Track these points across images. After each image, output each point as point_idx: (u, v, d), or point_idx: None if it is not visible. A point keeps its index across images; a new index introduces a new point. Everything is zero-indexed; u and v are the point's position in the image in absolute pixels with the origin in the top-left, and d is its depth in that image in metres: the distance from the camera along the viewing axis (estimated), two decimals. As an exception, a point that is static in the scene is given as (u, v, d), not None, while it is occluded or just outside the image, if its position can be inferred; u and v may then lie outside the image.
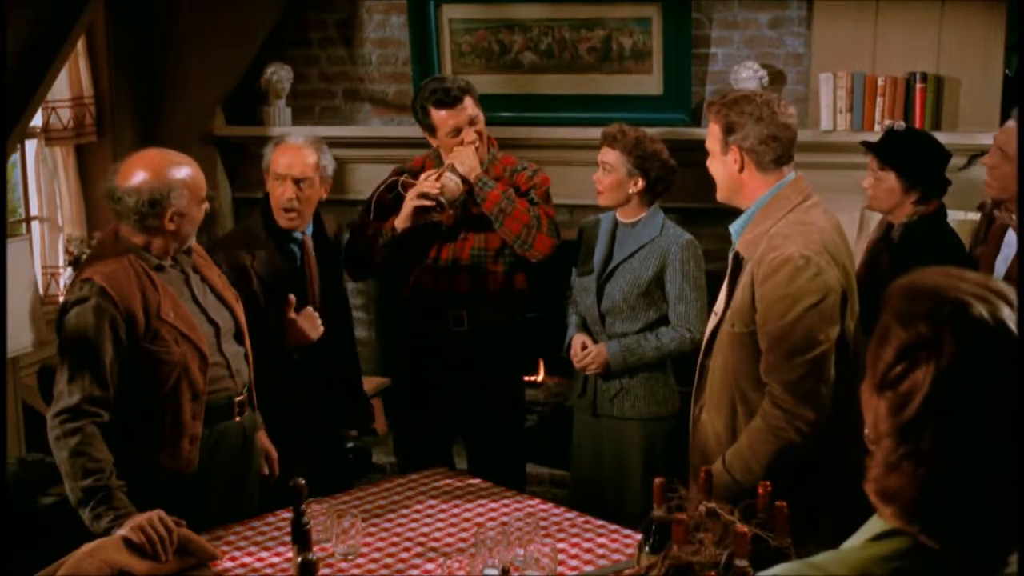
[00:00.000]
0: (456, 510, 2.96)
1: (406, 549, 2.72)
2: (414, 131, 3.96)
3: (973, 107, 4.44)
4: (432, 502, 3.01)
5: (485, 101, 3.90)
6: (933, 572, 1.21)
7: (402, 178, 3.75)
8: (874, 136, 3.68)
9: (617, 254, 3.61)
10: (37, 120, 4.62)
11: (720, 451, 2.71)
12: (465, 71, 4.80)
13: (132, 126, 5.03)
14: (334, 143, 4.85)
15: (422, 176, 3.69)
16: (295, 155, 3.48)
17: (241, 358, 3.03)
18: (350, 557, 2.65)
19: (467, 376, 3.84)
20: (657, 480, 2.34)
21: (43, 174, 4.78)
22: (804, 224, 2.63)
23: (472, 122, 3.73)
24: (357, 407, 3.87)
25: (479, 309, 3.81)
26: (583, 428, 3.72)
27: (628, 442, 3.60)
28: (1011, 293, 1.23)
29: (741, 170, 2.68)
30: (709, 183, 2.80)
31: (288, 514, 2.74)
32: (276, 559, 2.68)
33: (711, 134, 2.74)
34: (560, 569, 2.56)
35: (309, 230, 3.57)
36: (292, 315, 3.36)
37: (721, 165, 2.73)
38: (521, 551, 2.49)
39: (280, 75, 5.09)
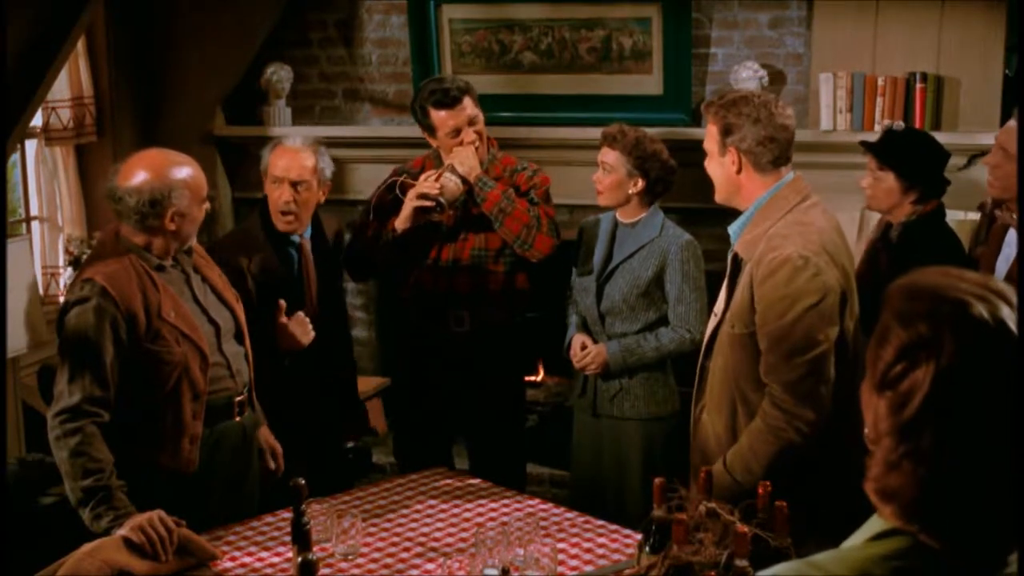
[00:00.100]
0: (456, 510, 2.96)
1: (406, 549, 2.72)
2: (414, 131, 3.96)
3: (973, 107, 4.44)
4: (432, 502, 3.01)
5: (485, 101, 3.90)
6: (933, 571, 1.21)
7: (400, 179, 3.74)
8: (874, 136, 3.68)
9: (617, 254, 3.61)
10: (37, 120, 4.62)
11: (720, 452, 2.71)
12: (465, 71, 4.80)
13: (132, 126, 5.03)
14: (334, 143, 4.87)
15: (422, 177, 3.69)
16: (292, 158, 3.48)
17: (241, 358, 3.03)
18: (350, 557, 2.65)
19: (467, 376, 3.84)
20: (657, 480, 2.34)
21: (43, 174, 4.79)
22: (803, 224, 2.63)
23: (471, 122, 3.73)
24: (351, 411, 3.87)
25: (480, 309, 3.81)
26: (583, 428, 3.73)
27: (628, 442, 3.60)
28: (1011, 293, 1.23)
29: (739, 171, 2.68)
30: (709, 183, 2.80)
31: (288, 514, 2.74)
32: (276, 559, 2.68)
33: (709, 135, 2.74)
34: (560, 569, 2.56)
35: (307, 233, 3.56)
36: (283, 320, 3.35)
37: (719, 166, 2.73)
38: (521, 551, 2.49)
39: (280, 75, 5.09)
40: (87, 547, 2.53)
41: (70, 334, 2.74)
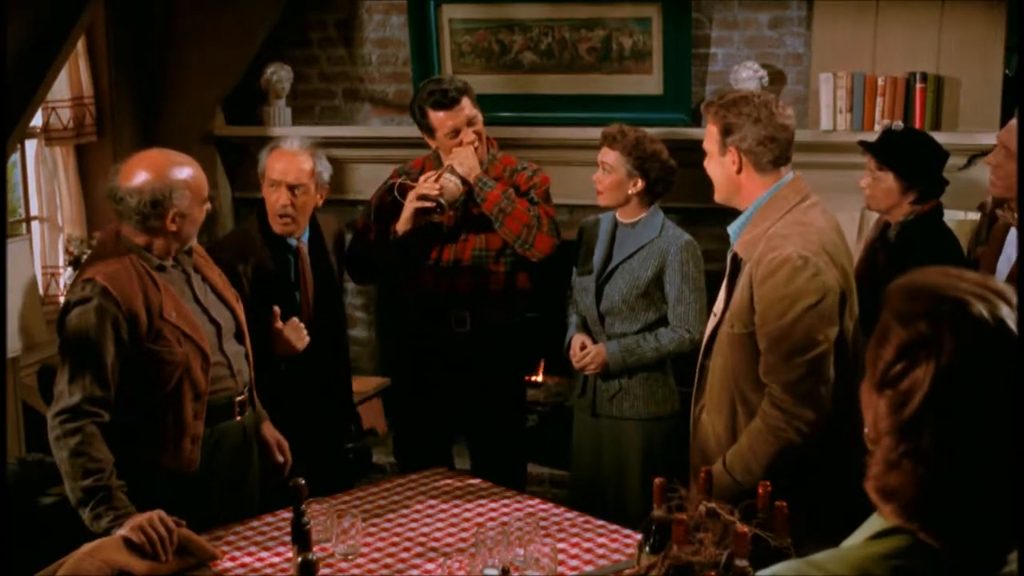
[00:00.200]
0: (456, 510, 2.96)
1: (406, 549, 2.72)
2: (414, 131, 3.96)
3: (973, 107, 4.44)
4: (432, 502, 3.01)
5: (485, 101, 3.90)
6: (933, 570, 1.21)
7: (399, 181, 3.74)
8: (874, 136, 3.68)
9: (616, 255, 3.61)
10: (37, 120, 4.63)
11: (720, 451, 2.71)
12: (465, 71, 4.80)
13: (132, 126, 5.03)
14: (334, 143, 4.89)
15: (421, 178, 3.69)
16: (290, 161, 3.47)
17: (242, 358, 3.03)
18: (350, 557, 2.65)
19: (467, 376, 3.84)
20: (657, 480, 2.34)
21: (43, 174, 4.79)
22: (802, 224, 2.63)
23: (470, 123, 3.73)
24: (346, 415, 3.87)
25: (481, 309, 3.80)
26: (583, 428, 3.73)
27: (627, 442, 3.60)
28: (1010, 293, 1.23)
29: (739, 171, 2.68)
30: (709, 183, 2.80)
31: (288, 514, 2.74)
32: (276, 559, 2.68)
33: (709, 135, 2.74)
34: (560, 569, 2.56)
35: (305, 236, 3.56)
36: (278, 325, 3.34)
37: (719, 166, 2.72)
38: (521, 551, 2.49)
39: (280, 75, 5.09)
40: (87, 547, 2.53)
41: (71, 334, 2.74)
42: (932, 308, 1.22)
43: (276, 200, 3.46)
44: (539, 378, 5.40)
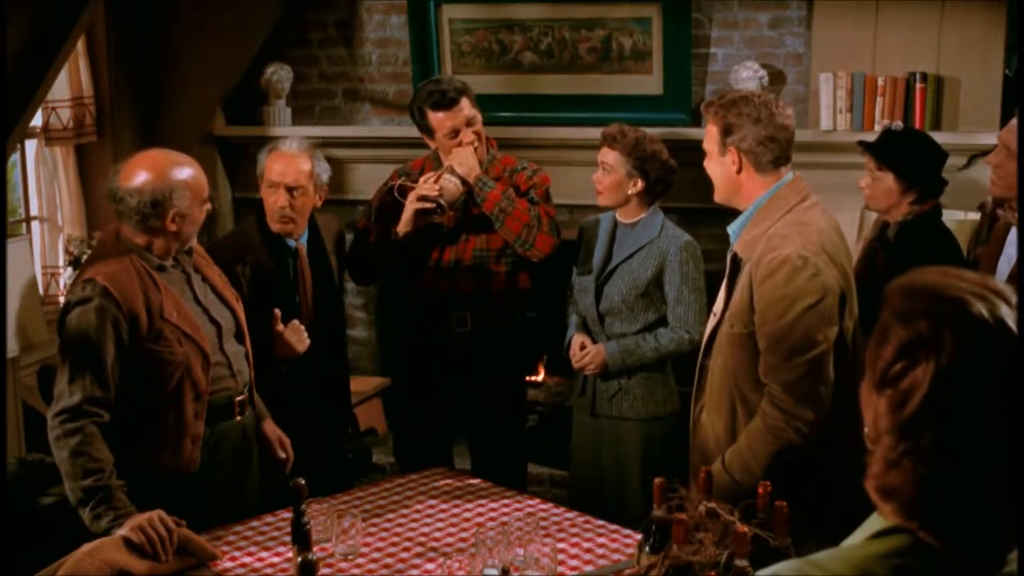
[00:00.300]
0: (456, 510, 2.96)
1: (406, 549, 2.72)
2: (414, 131, 3.96)
3: (973, 107, 4.44)
4: (432, 502, 3.01)
5: (485, 101, 3.90)
6: (933, 569, 1.21)
7: (399, 182, 3.74)
8: (874, 136, 3.68)
9: (616, 255, 3.61)
10: (37, 120, 4.63)
11: (720, 451, 2.71)
12: (465, 71, 4.81)
13: (132, 126, 5.03)
14: (334, 143, 4.89)
15: (421, 179, 3.69)
16: (288, 163, 3.47)
17: (242, 357, 3.03)
18: (350, 557, 2.65)
19: (468, 376, 3.84)
20: (657, 480, 2.34)
21: (43, 174, 4.79)
22: (802, 224, 2.63)
23: (470, 123, 3.73)
24: (343, 416, 3.87)
25: (482, 309, 3.80)
26: (582, 428, 3.73)
27: (627, 442, 3.60)
28: (1010, 292, 1.23)
29: (739, 171, 2.68)
30: (709, 183, 2.80)
31: (288, 514, 2.74)
32: (276, 559, 2.68)
33: (709, 135, 2.74)
34: (560, 569, 2.56)
35: (304, 237, 3.56)
36: (279, 328, 3.34)
37: (719, 166, 2.72)
38: (521, 551, 2.49)
39: (280, 75, 5.09)
40: (87, 547, 2.53)
41: (71, 334, 2.74)
42: (932, 308, 1.22)
43: (274, 201, 3.46)
44: (539, 378, 5.40)
